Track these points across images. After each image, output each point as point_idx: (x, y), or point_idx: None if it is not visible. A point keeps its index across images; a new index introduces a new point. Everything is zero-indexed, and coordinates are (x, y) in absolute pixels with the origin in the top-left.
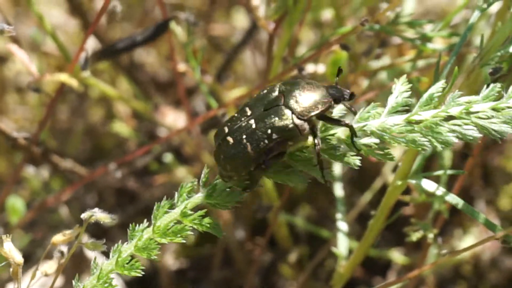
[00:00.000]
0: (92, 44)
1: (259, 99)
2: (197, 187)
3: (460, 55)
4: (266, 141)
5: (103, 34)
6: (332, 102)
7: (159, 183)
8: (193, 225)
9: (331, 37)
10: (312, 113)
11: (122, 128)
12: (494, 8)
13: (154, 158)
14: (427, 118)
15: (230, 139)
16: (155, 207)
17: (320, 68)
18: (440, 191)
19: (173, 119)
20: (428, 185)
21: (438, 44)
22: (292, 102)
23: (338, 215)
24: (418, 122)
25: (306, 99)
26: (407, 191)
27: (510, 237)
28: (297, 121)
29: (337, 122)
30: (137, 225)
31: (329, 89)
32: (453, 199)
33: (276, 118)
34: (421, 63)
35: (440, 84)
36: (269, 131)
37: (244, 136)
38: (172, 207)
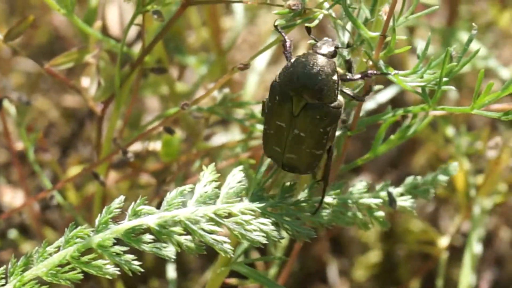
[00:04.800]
0: None
1: (278, 107)
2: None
3: None
4: (325, 137)
5: None
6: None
7: (4, 260)
8: None
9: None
10: (339, 88)
11: None
12: None
13: None
14: (236, 214)
15: (292, 155)
16: None
17: (157, 146)
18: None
19: (10, 197)
20: (251, 273)
21: None
22: (315, 97)
23: None
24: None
25: (321, 84)
26: None
27: None
28: (334, 104)
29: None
30: None
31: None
32: (273, 286)
33: (317, 116)
34: (254, 142)
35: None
36: (321, 130)
37: (303, 147)
38: None
